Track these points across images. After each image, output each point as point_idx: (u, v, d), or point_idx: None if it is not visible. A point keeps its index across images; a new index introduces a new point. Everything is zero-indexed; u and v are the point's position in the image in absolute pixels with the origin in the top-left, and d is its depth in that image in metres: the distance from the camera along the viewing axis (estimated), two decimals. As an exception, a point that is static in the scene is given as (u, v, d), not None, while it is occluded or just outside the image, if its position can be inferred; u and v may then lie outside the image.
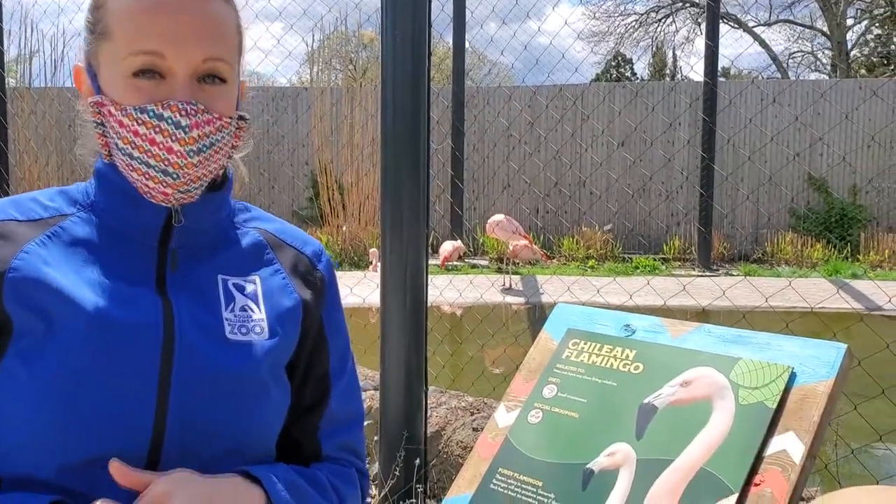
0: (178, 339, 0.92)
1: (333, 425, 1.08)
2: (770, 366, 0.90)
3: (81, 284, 0.92)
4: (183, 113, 0.91)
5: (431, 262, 9.40)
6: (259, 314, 1.00)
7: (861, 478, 3.36)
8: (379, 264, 2.89)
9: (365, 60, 13.86)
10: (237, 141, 1.00)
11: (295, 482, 0.97)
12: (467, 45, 11.69)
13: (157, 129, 0.91)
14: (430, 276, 2.87)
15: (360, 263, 10.31)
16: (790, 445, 0.83)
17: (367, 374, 3.80)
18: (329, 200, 11.16)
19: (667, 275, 9.17)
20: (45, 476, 0.88)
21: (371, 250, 9.60)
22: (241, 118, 1.00)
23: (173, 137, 0.91)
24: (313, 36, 14.03)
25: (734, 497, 0.81)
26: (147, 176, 0.93)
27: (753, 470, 0.83)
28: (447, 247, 9.40)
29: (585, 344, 1.03)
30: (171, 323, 0.93)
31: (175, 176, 0.93)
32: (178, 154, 0.92)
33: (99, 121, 0.95)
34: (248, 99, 1.09)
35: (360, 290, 6.44)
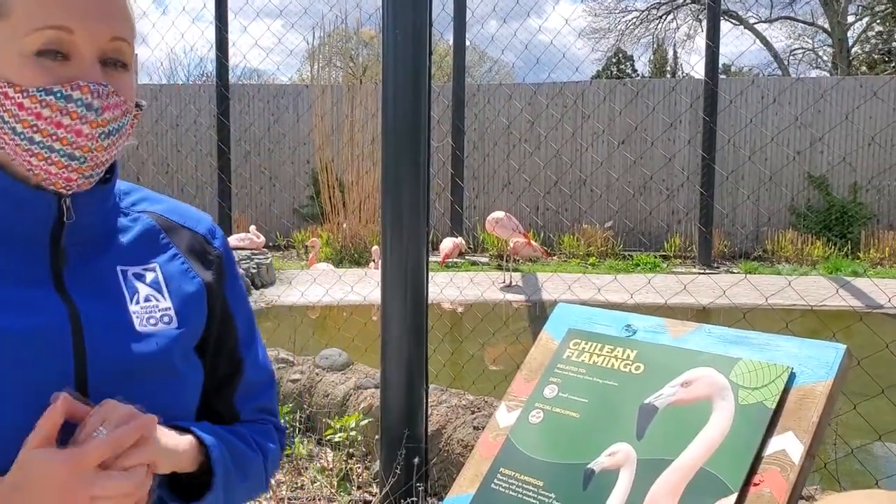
0: (87, 339, 0.90)
1: (249, 391, 1.10)
2: (769, 366, 0.90)
3: None
4: (95, 94, 0.87)
5: (432, 259, 9.38)
6: (165, 302, 0.98)
7: (860, 476, 3.36)
8: (380, 262, 2.90)
9: (365, 58, 13.84)
10: (131, 128, 0.96)
11: (218, 431, 1.00)
12: (468, 43, 11.67)
13: (64, 112, 0.87)
14: (430, 274, 2.87)
15: (360, 261, 10.31)
16: (789, 445, 0.84)
17: (368, 373, 3.81)
18: (330, 198, 11.16)
19: (667, 272, 9.17)
20: None
21: (373, 248, 9.59)
22: (137, 106, 0.96)
23: (83, 120, 0.87)
24: (314, 34, 14.02)
25: (734, 497, 0.81)
26: (49, 161, 0.89)
27: (753, 470, 0.83)
28: (447, 244, 9.39)
29: (586, 344, 1.04)
30: (79, 324, 0.90)
31: (82, 160, 0.89)
32: (88, 136, 0.88)
33: None
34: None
35: (360, 287, 6.45)
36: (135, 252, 1.01)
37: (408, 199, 2.69)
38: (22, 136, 0.88)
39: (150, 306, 0.97)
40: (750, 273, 9.41)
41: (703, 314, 6.51)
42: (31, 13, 0.86)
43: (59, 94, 0.86)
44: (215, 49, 10.21)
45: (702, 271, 9.30)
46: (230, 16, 10.10)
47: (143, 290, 0.98)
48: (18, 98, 0.87)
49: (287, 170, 12.70)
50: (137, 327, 0.95)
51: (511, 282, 8.32)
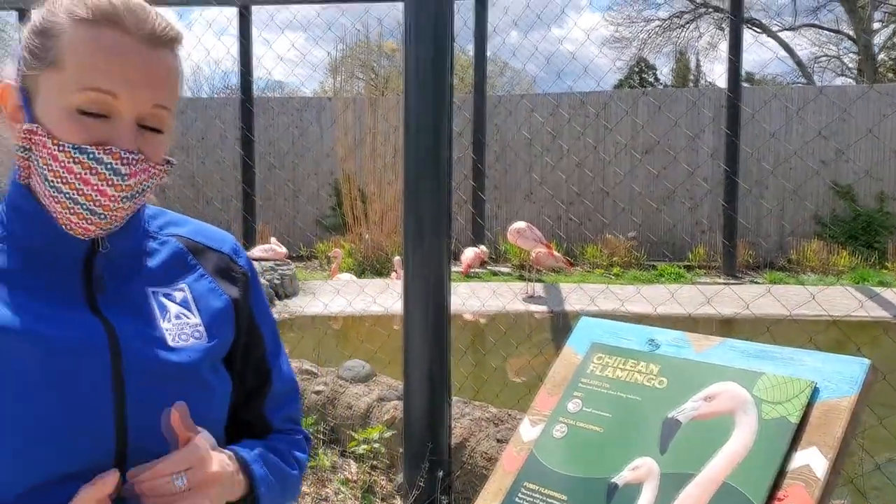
0: (124, 353, 0.96)
1: (278, 401, 1.16)
2: (793, 381, 0.90)
3: (19, 317, 0.93)
4: (124, 161, 0.93)
5: (453, 269, 9.36)
6: (195, 319, 1.04)
7: (889, 490, 3.31)
8: (402, 273, 2.91)
9: (388, 70, 13.93)
10: (160, 181, 1.02)
11: (262, 453, 1.07)
12: (489, 54, 11.70)
13: (93, 171, 0.92)
14: (452, 285, 2.88)
15: (382, 272, 10.34)
16: (813, 460, 0.84)
17: (391, 384, 3.82)
18: (352, 209, 11.21)
19: (691, 283, 9.10)
20: (14, 495, 0.91)
21: (395, 259, 9.62)
22: (167, 161, 1.01)
23: (109, 182, 0.93)
24: (336, 47, 14.15)
25: (757, 512, 0.81)
26: (72, 211, 0.95)
27: (776, 485, 0.83)
28: (469, 254, 9.39)
29: (610, 358, 1.04)
30: (116, 340, 0.96)
31: (102, 216, 0.95)
32: (111, 198, 0.94)
33: (26, 146, 0.95)
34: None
35: (383, 299, 6.47)
36: (164, 274, 1.06)
37: (429, 210, 2.71)
38: (51, 185, 0.94)
39: (181, 323, 1.03)
40: (775, 283, 9.32)
41: (727, 326, 6.45)
42: (82, 72, 0.92)
43: (90, 155, 0.92)
44: (240, 65, 10.34)
45: (726, 282, 9.23)
46: (255, 32, 10.23)
47: (174, 308, 1.04)
48: (54, 150, 0.93)
49: (310, 182, 12.79)
50: (170, 342, 1.00)
51: (533, 292, 8.30)
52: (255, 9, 10.23)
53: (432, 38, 2.62)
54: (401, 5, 2.69)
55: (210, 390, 1.04)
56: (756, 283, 9.62)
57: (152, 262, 1.06)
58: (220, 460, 0.97)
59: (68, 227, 0.96)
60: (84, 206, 0.94)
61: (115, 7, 0.94)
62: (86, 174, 0.92)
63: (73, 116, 0.92)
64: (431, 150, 2.67)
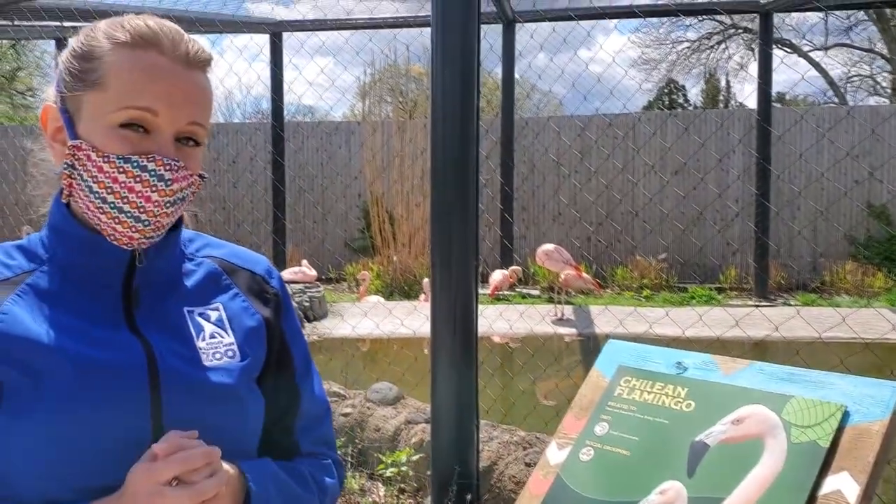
0: (161, 374, 0.99)
1: (307, 422, 1.17)
2: (823, 404, 0.89)
3: (60, 335, 0.97)
4: (168, 168, 0.98)
5: (481, 291, 9.31)
6: (228, 338, 1.07)
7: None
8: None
9: (415, 94, 14.04)
10: (192, 197, 1.07)
11: (276, 473, 1.07)
12: (517, 76, 11.74)
13: (138, 179, 0.98)
14: (480, 308, 2.88)
15: (410, 294, 10.35)
16: (845, 486, 0.83)
17: (419, 407, 3.82)
18: (380, 232, 11.27)
19: (723, 305, 9.00)
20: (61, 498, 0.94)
21: (423, 280, 9.63)
22: (200, 176, 1.06)
23: (154, 188, 0.98)
24: (365, 71, 14.29)
25: (788, 538, 0.80)
26: (118, 220, 0.99)
27: (807, 510, 0.82)
28: (497, 276, 9.36)
29: (637, 381, 1.04)
30: (153, 359, 0.99)
31: (146, 223, 1.00)
32: (156, 203, 0.99)
33: (70, 163, 1.00)
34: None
35: (410, 321, 6.48)
36: (199, 294, 1.10)
37: (457, 234, 2.71)
38: (96, 196, 0.99)
39: (216, 342, 1.06)
40: (808, 305, 9.18)
41: (757, 349, 6.36)
42: (125, 92, 0.98)
43: (135, 164, 0.97)
44: (271, 91, 10.49)
45: (758, 304, 9.11)
46: (285, 57, 10.39)
47: (209, 328, 1.07)
48: (99, 162, 0.98)
49: (339, 205, 12.89)
50: (204, 361, 1.03)
51: (562, 315, 8.25)
52: (285, 35, 10.40)
53: (459, 61, 2.64)
54: (428, 30, 2.72)
55: (244, 409, 1.06)
56: (789, 305, 9.49)
57: (188, 283, 1.10)
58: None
59: (113, 237, 1.00)
60: (129, 214, 0.99)
61: (152, 31, 1.01)
62: (131, 182, 0.98)
63: (117, 132, 0.98)
64: (459, 173, 2.69)
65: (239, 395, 1.05)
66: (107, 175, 0.98)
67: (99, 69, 0.99)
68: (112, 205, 0.99)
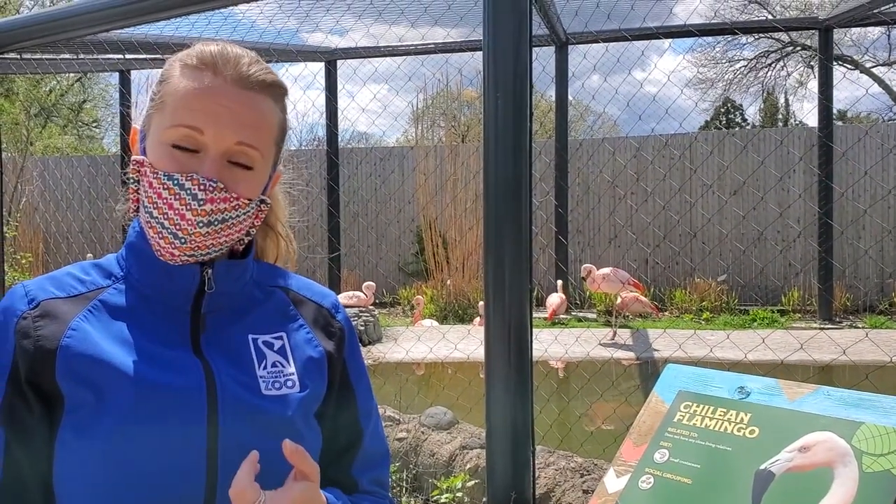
0: (220, 399, 0.99)
1: (367, 463, 1.16)
2: (896, 432, 0.85)
3: (125, 354, 0.99)
4: (201, 188, 0.99)
5: (539, 314, 9.25)
6: (290, 368, 1.07)
7: None
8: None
9: (468, 118, 14.12)
10: (257, 221, 1.07)
11: (347, 501, 1.08)
12: (571, 98, 11.71)
13: (177, 196, 0.99)
14: (535, 331, 2.85)
15: (464, 317, 10.34)
16: (923, 518, 0.78)
17: (473, 432, 3.79)
18: (434, 255, 11.31)
19: (786, 328, 8.75)
20: None
21: (479, 303, 9.60)
22: (262, 202, 1.07)
23: (188, 207, 0.99)
24: (418, 97, 14.45)
25: (862, 573, 0.76)
26: (160, 235, 1.01)
27: (882, 544, 0.78)
28: (554, 299, 9.26)
29: (698, 407, 1.01)
30: (213, 384, 1.00)
31: (183, 240, 1.01)
32: (189, 222, 1.00)
33: (135, 177, 1.04)
34: (280, 185, 1.22)
35: (464, 345, 6.45)
36: (265, 322, 1.10)
37: (510, 256, 2.70)
38: (146, 209, 1.02)
39: (276, 371, 1.06)
40: (876, 328, 8.87)
41: (822, 373, 6.15)
42: (176, 111, 1.01)
43: (175, 181, 0.99)
44: (326, 118, 10.67)
45: (822, 326, 8.84)
46: (339, 84, 10.56)
47: (271, 356, 1.07)
48: (151, 177, 1.01)
49: (392, 229, 12.98)
50: (263, 391, 1.03)
51: (616, 338, 8.12)
52: (338, 62, 10.57)
53: (511, 85, 2.64)
54: (479, 54, 2.73)
55: (300, 440, 1.03)
56: (855, 327, 9.18)
57: (256, 310, 1.11)
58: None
59: (160, 252, 1.03)
60: (169, 230, 1.01)
61: (212, 53, 1.03)
62: (171, 199, 1.00)
63: (168, 150, 1.01)
64: (512, 196, 2.68)
65: (296, 425, 1.04)
66: (154, 190, 1.01)
67: (164, 91, 1.03)
68: (157, 220, 1.01)
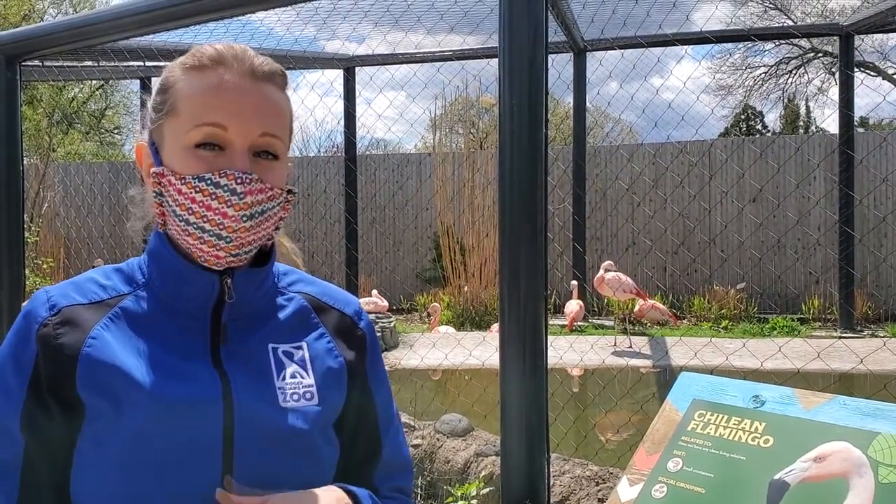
0: (237, 411, 0.99)
1: (388, 471, 1.16)
2: (914, 443, 0.84)
3: (144, 364, 0.98)
4: (238, 181, 0.98)
5: (557, 322, 9.19)
6: (308, 379, 1.06)
7: None
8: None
9: (486, 124, 14.11)
10: (285, 213, 1.07)
11: (372, 496, 1.08)
12: (588, 105, 11.66)
13: (214, 196, 0.98)
14: (550, 338, 2.84)
15: (481, 324, 10.32)
16: (940, 531, 0.77)
17: (488, 440, 3.78)
18: (451, 262, 11.30)
19: (805, 336, 8.66)
20: None
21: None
22: (289, 192, 1.06)
23: (228, 203, 0.98)
24: (436, 104, 14.48)
25: (878, 586, 0.75)
26: (202, 241, 1.00)
27: (898, 557, 0.77)
28: (573, 306, 9.19)
29: (712, 415, 1.00)
30: (230, 396, 0.99)
31: (228, 240, 1.00)
32: (233, 218, 0.99)
33: (158, 191, 1.02)
34: (292, 175, 1.15)
35: (479, 352, 6.44)
36: (287, 330, 1.09)
37: (525, 263, 2.69)
38: (180, 218, 1.00)
39: (295, 383, 1.05)
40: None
41: (840, 382, 6.08)
42: (194, 112, 1.00)
43: (209, 181, 0.98)
44: (343, 124, 10.71)
45: (842, 335, 8.74)
46: (356, 91, 10.60)
47: (291, 367, 1.06)
48: (178, 185, 0.99)
49: (409, 235, 12.99)
50: (281, 403, 1.02)
51: (630, 345, 8.07)
52: (356, 69, 10.61)
53: (527, 91, 2.64)
54: (496, 60, 2.73)
55: (317, 454, 1.04)
56: (877, 336, 9.07)
57: (278, 317, 1.10)
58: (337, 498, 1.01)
59: (203, 258, 1.02)
60: (211, 233, 1.00)
61: (217, 52, 1.03)
62: (208, 200, 0.98)
63: (192, 152, 1.00)
64: (527, 202, 2.67)
65: (312, 440, 1.03)
66: (186, 197, 0.99)
67: (172, 97, 1.03)
68: (195, 225, 1.00)
